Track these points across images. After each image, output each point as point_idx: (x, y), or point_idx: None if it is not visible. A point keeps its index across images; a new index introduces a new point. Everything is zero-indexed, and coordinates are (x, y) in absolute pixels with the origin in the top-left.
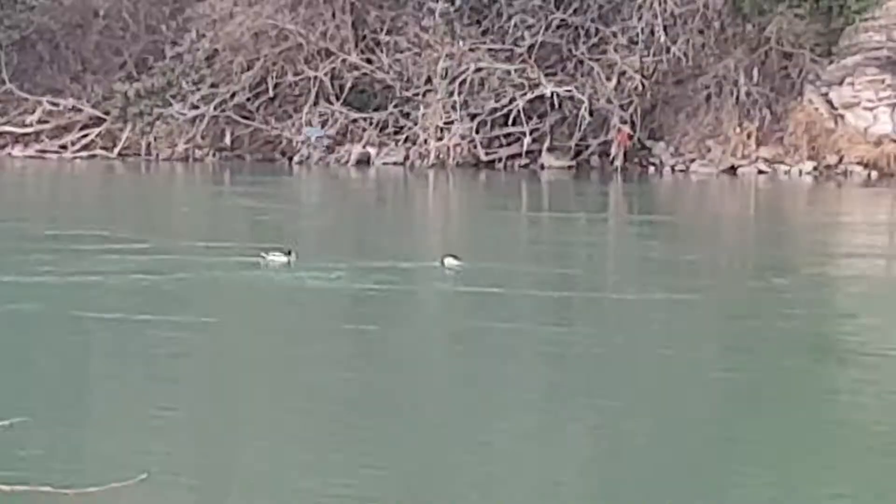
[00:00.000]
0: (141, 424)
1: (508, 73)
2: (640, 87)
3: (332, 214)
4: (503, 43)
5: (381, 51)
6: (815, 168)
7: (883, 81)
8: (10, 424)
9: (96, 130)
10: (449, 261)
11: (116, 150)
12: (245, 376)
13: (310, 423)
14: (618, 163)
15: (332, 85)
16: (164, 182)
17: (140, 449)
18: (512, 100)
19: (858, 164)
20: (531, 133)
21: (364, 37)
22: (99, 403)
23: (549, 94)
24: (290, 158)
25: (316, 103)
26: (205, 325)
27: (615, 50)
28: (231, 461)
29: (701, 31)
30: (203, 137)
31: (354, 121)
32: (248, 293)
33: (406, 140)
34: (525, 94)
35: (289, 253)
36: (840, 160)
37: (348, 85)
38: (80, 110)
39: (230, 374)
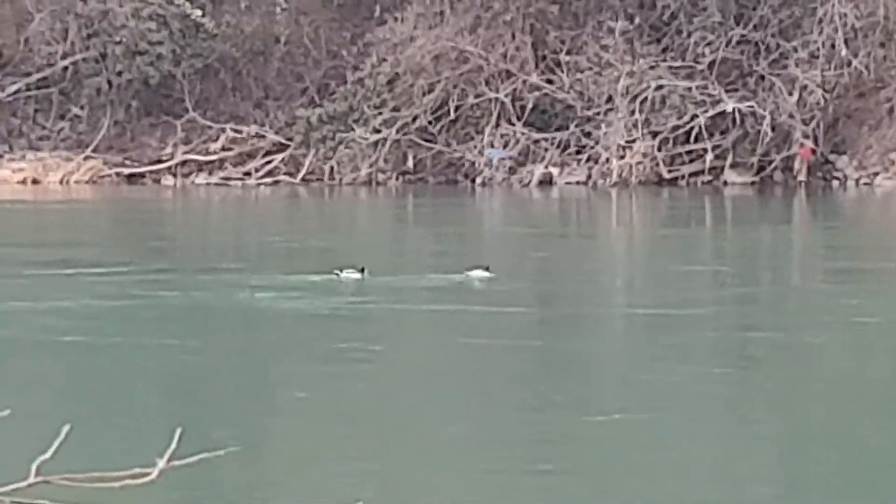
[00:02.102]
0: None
1: (689, 89)
2: (821, 101)
3: (518, 236)
4: (683, 60)
5: (562, 70)
6: None
7: None
8: (223, 454)
9: (279, 156)
10: (476, 272)
11: (300, 176)
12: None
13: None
14: (801, 178)
15: (514, 106)
16: (348, 206)
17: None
18: (693, 117)
19: None
20: (713, 149)
21: (544, 57)
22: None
23: (730, 110)
24: (473, 180)
25: (497, 125)
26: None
27: (796, 64)
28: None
29: (882, 44)
30: (386, 161)
31: (536, 141)
32: (445, 314)
33: (588, 159)
34: (706, 110)
35: (362, 270)
36: None
37: (529, 105)
38: (263, 137)
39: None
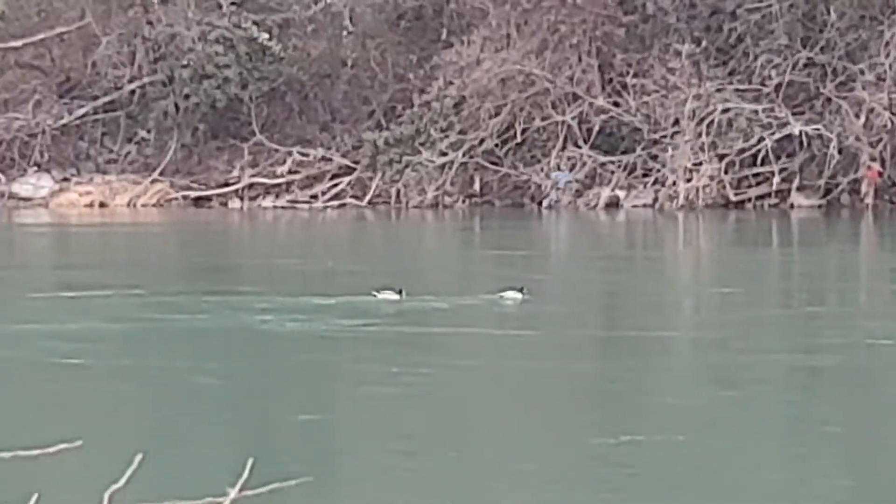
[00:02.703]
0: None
1: (756, 112)
2: (888, 124)
3: (580, 258)
4: (750, 83)
5: (628, 93)
6: None
7: None
8: (296, 483)
9: (346, 179)
10: (510, 294)
11: (367, 199)
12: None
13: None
14: (868, 200)
15: (580, 129)
16: (412, 228)
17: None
18: (760, 139)
19: None
20: (780, 172)
21: (611, 80)
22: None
23: (797, 133)
24: (539, 203)
25: (564, 147)
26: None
27: (863, 87)
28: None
29: None
30: (452, 184)
31: (602, 164)
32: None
33: (655, 182)
34: (773, 133)
35: (399, 291)
36: None
37: (596, 128)
38: (329, 160)
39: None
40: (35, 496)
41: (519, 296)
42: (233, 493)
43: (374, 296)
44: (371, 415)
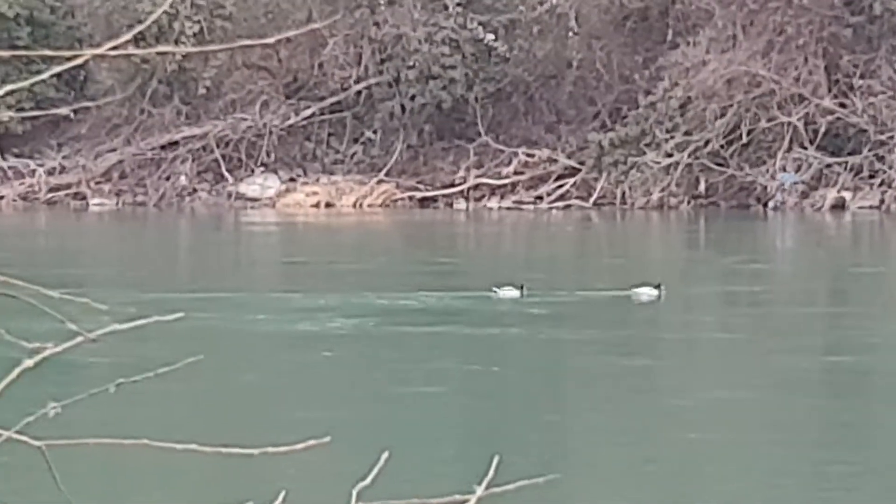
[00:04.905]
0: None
1: None
2: None
3: (807, 262)
4: None
5: (855, 94)
6: None
7: None
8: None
9: (571, 180)
10: (644, 290)
11: (592, 200)
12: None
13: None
14: None
15: (806, 130)
16: (641, 230)
17: None
18: None
19: None
20: None
21: (837, 81)
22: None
23: None
24: (765, 204)
25: (789, 149)
26: None
27: None
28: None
29: None
30: (677, 185)
31: (829, 165)
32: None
33: (881, 184)
34: None
35: (521, 287)
36: None
37: (822, 129)
38: (555, 161)
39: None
40: (282, 493)
41: (654, 292)
42: (479, 490)
43: (495, 292)
44: (606, 416)
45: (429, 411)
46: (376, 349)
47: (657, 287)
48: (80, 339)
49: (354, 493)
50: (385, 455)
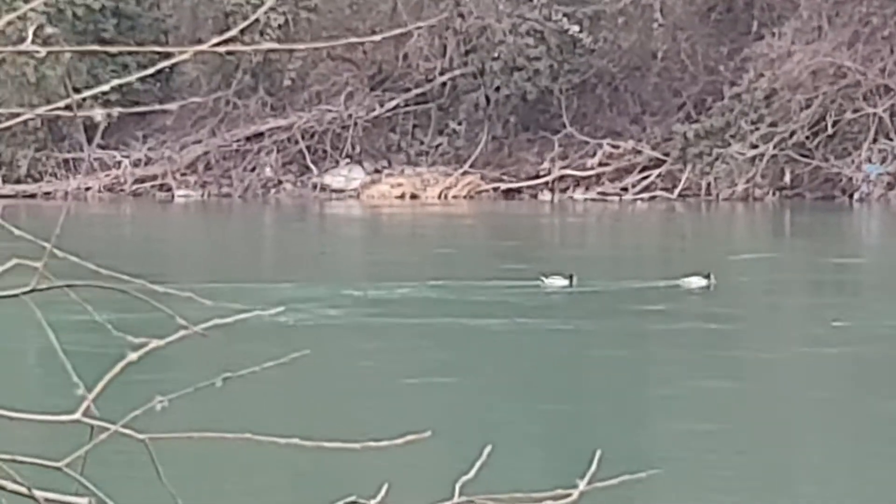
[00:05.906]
0: None
1: None
2: None
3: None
4: None
5: None
6: None
7: None
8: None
9: (656, 172)
10: (694, 279)
11: (676, 191)
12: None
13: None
14: None
15: (892, 121)
16: (725, 222)
17: None
18: None
19: None
20: None
21: None
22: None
23: None
24: (851, 196)
25: (875, 140)
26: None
27: None
28: None
29: None
30: (763, 177)
31: None
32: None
33: None
34: None
35: (570, 277)
36: None
37: None
38: (639, 152)
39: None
40: (384, 486)
41: (703, 282)
42: (582, 485)
43: (542, 281)
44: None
45: (521, 403)
46: (430, 343)
47: (706, 277)
48: (184, 332)
49: (458, 487)
50: (488, 449)
